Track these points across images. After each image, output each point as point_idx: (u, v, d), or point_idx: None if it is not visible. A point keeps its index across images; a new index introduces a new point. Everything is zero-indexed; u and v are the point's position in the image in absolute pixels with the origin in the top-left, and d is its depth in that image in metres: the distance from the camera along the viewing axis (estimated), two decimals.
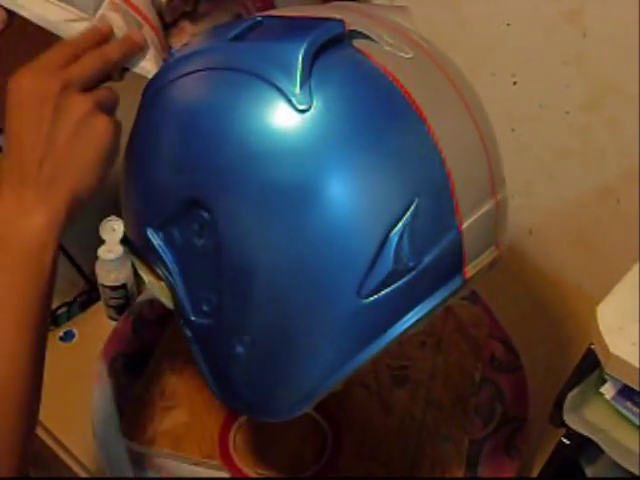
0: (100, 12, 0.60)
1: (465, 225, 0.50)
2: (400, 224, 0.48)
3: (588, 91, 0.84)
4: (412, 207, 0.48)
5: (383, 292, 0.49)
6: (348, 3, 0.60)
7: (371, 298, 0.49)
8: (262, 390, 0.54)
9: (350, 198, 0.48)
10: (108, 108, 0.57)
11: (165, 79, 0.55)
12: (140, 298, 0.84)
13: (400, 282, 0.49)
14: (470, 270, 0.52)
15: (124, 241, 0.60)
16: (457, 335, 0.80)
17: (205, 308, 0.54)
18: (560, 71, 0.84)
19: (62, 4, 0.60)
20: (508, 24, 0.85)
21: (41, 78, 0.54)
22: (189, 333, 0.56)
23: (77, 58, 0.56)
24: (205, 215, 0.51)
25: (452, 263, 0.51)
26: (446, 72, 0.54)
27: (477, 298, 0.84)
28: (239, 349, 0.52)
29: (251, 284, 0.50)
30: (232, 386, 0.55)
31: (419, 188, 0.49)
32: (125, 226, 0.60)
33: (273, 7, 0.70)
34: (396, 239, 0.48)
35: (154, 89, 0.55)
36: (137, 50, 0.60)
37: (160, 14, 0.64)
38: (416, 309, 0.50)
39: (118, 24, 0.60)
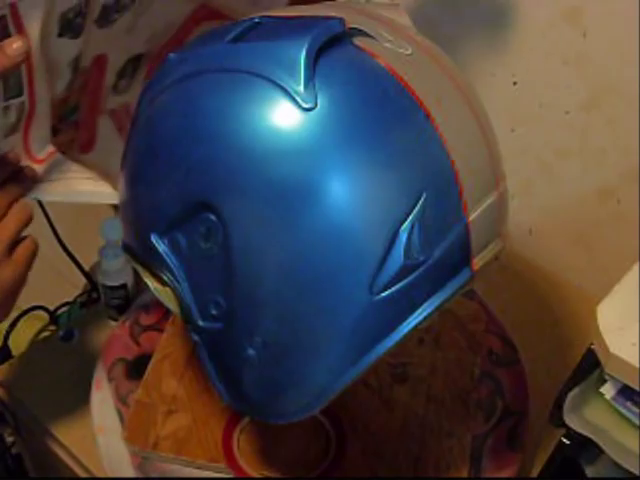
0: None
1: (472, 217, 0.51)
2: (409, 219, 0.48)
3: (588, 91, 0.84)
4: (420, 202, 0.48)
5: (395, 287, 0.49)
6: (341, 2, 0.60)
7: (383, 294, 0.49)
8: (274, 392, 0.54)
9: (358, 195, 0.48)
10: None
11: (164, 82, 0.54)
12: (135, 304, 0.84)
13: (411, 277, 0.49)
14: (478, 262, 0.52)
15: (125, 249, 0.59)
16: (455, 331, 0.80)
17: (214, 312, 0.53)
18: (560, 71, 0.84)
19: None
20: (508, 24, 0.85)
21: None
22: (197, 338, 0.55)
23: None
24: (212, 218, 0.50)
25: (460, 256, 0.51)
26: (444, 67, 0.54)
27: (473, 294, 0.83)
28: (250, 351, 0.52)
29: (261, 284, 0.50)
30: (242, 389, 0.54)
31: (426, 183, 0.49)
32: (126, 234, 0.59)
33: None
34: (406, 234, 0.48)
35: (152, 93, 0.55)
36: (36, 179, 0.62)
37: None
38: (427, 303, 0.50)
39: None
